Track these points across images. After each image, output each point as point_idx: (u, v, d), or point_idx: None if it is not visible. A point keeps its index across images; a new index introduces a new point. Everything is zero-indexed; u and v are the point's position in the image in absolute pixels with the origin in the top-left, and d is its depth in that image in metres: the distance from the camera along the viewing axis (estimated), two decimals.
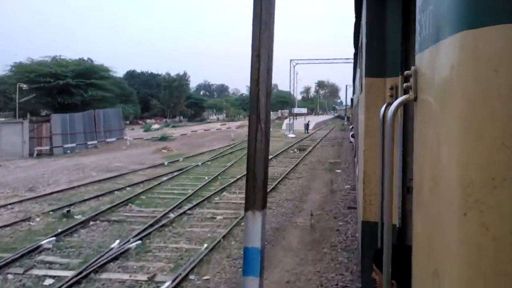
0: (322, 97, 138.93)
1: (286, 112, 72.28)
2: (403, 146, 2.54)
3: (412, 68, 1.30)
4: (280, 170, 18.29)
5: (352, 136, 21.83)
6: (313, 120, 75.78)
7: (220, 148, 29.32)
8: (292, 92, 44.33)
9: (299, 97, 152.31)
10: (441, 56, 1.01)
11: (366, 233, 3.51)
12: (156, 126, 59.91)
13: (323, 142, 35.37)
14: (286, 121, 61.66)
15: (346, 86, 72.39)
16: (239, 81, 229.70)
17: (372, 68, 3.30)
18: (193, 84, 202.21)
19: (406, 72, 1.37)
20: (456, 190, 0.93)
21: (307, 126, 46.98)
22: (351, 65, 18.77)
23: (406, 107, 2.27)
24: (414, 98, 1.32)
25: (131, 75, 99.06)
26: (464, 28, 0.90)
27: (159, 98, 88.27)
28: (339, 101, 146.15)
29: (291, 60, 43.35)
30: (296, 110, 72.03)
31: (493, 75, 0.85)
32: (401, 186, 2.58)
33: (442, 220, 1.01)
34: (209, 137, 39.05)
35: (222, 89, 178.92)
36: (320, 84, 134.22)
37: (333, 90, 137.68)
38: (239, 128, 53.67)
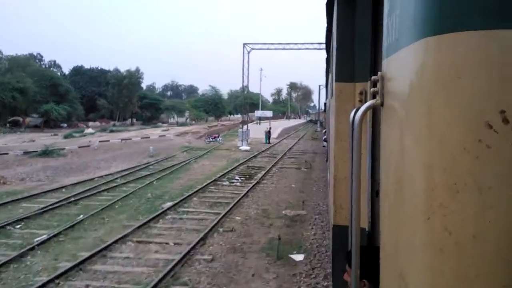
0: (295, 100, 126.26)
1: (267, 113, 59.69)
2: (372, 150, 2.49)
3: (379, 73, 1.34)
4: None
5: (325, 140, 21.78)
6: (283, 125, 69.01)
7: (108, 175, 19.96)
8: (244, 85, 31.61)
9: (269, 99, 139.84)
10: (406, 62, 1.05)
11: (337, 237, 3.46)
12: (90, 130, 52.54)
13: (285, 160, 26.77)
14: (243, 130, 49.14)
15: (319, 86, 60.53)
16: (209, 82, 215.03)
17: (342, 73, 3.29)
18: (159, 84, 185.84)
19: (373, 77, 1.40)
20: (420, 194, 0.96)
21: (268, 134, 39.16)
22: (325, 68, 15.66)
23: (375, 111, 2.28)
24: (381, 103, 1.34)
25: (77, 72, 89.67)
26: (427, 35, 0.93)
27: (108, 97, 79.73)
28: (312, 104, 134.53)
29: (244, 44, 30.27)
30: (259, 113, 59.07)
31: (456, 81, 0.88)
32: (370, 190, 2.56)
33: (407, 224, 1.04)
34: (123, 150, 30.51)
35: (191, 90, 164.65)
36: (292, 86, 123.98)
37: (306, 93, 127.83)
38: (179, 136, 39.31)
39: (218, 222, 10.64)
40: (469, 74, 0.87)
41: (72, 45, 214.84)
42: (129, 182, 16.70)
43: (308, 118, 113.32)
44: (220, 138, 37.28)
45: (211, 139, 37.44)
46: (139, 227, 10.18)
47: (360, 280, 1.66)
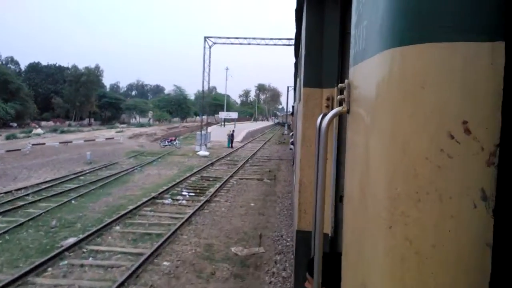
0: (263, 102, 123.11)
1: (232, 115, 55.52)
2: (337, 155, 2.57)
3: (346, 81, 1.36)
4: None
5: (292, 143, 21.79)
6: (249, 127, 65.83)
7: (20, 189, 15.84)
8: (206, 82, 27.65)
9: (238, 100, 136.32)
10: (372, 71, 1.07)
11: (300, 243, 3.44)
12: (38, 131, 47.47)
13: (247, 168, 23.39)
14: (209, 129, 44.69)
15: (288, 88, 57.55)
16: (177, 83, 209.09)
17: (310, 78, 3.31)
18: (123, 83, 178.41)
19: (340, 85, 1.42)
20: (382, 202, 0.96)
21: (231, 137, 36.12)
22: (293, 70, 14.93)
23: (341, 117, 2.28)
24: (347, 110, 1.36)
25: (33, 68, 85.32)
26: (393, 45, 0.95)
27: (65, 96, 75.71)
28: (280, 106, 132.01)
29: (206, 37, 26.44)
30: (223, 115, 55.36)
31: (419, 91, 0.90)
32: (334, 195, 2.60)
33: (369, 231, 1.04)
34: (59, 155, 26.10)
35: (158, 90, 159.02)
36: (261, 88, 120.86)
37: (275, 95, 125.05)
38: (132, 138, 34.85)
39: (133, 272, 6.84)
40: (432, 85, 0.89)
41: (38, 41, 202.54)
42: (40, 200, 12.84)
43: (276, 121, 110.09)
44: (177, 141, 33.27)
45: (166, 143, 33.36)
46: (6, 284, 6.51)
47: None
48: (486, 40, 0.86)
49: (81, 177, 18.02)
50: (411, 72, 0.92)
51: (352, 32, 1.35)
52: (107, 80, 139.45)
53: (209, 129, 49.69)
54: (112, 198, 13.92)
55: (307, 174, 3.34)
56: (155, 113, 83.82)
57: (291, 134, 36.65)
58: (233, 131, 35.71)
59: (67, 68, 77.81)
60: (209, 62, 30.22)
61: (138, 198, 13.60)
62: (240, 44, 30.32)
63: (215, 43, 30.38)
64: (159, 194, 14.24)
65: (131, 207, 12.13)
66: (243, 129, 52.45)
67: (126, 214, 11.47)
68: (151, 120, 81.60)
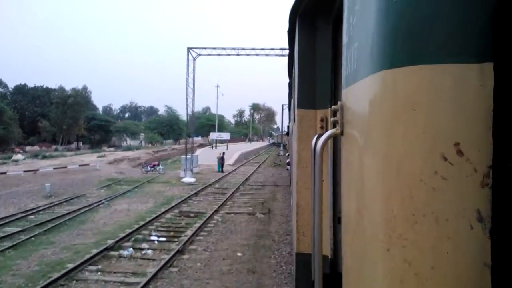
0: (258, 122, 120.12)
1: (223, 136, 51.74)
2: (334, 176, 2.54)
3: (339, 103, 1.37)
4: None
5: (288, 163, 22.20)
6: (243, 148, 63.16)
7: None
8: (189, 97, 24.13)
9: (232, 120, 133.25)
10: (364, 93, 1.07)
11: (300, 265, 3.41)
12: (18, 157, 45.05)
13: (236, 198, 19.84)
14: (197, 152, 41.39)
15: (282, 106, 61.59)
16: (170, 104, 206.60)
17: (304, 99, 3.27)
18: (116, 105, 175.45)
19: (333, 107, 1.44)
20: (379, 224, 0.97)
21: (221, 160, 32.95)
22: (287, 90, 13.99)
23: (335, 137, 2.21)
24: (341, 132, 1.37)
25: (19, 90, 72.98)
26: (384, 68, 0.96)
27: (52, 118, 72.97)
28: (275, 126, 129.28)
29: (189, 48, 23.26)
30: (214, 135, 52.04)
31: (411, 112, 0.91)
32: (332, 217, 2.58)
33: (368, 253, 1.04)
34: (19, 186, 22.37)
35: (151, 112, 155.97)
36: (255, 107, 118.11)
37: (269, 114, 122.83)
38: (111, 164, 31.27)
39: None
40: (423, 107, 0.90)
41: (28, 63, 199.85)
42: None
43: (272, 141, 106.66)
44: (160, 166, 29.62)
45: (149, 168, 29.79)
46: None
47: None
48: (475, 61, 0.87)
49: (31, 216, 14.51)
50: (402, 94, 0.93)
51: (343, 53, 1.37)
52: (100, 102, 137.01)
53: (199, 151, 46.35)
54: (52, 249, 10.37)
55: (304, 196, 3.29)
56: (146, 136, 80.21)
57: (287, 154, 33.16)
58: (224, 153, 32.25)
59: (55, 90, 74.39)
60: (194, 76, 27.02)
61: (87, 249, 10.00)
62: (228, 55, 27.35)
63: (199, 55, 27.27)
64: (118, 241, 10.58)
65: (70, 266, 8.48)
66: (236, 150, 49.16)
67: (57, 279, 7.78)
68: (143, 143, 77.89)
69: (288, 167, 23.16)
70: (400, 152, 0.93)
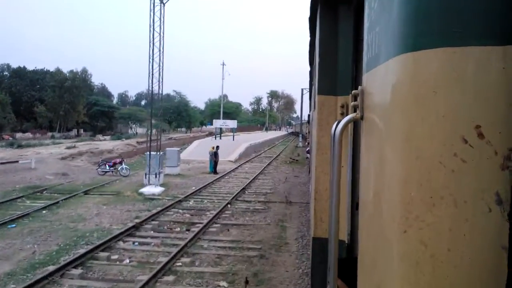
0: (276, 110, 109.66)
1: (229, 124, 40.85)
2: (353, 163, 2.57)
3: (359, 87, 1.39)
4: None
5: (308, 152, 21.08)
6: (257, 138, 52.01)
7: None
8: (156, 62, 13.69)
9: (249, 107, 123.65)
10: (384, 77, 1.09)
11: (316, 250, 3.43)
12: None
13: (210, 240, 10.78)
14: (193, 144, 31.64)
15: (302, 90, 53.19)
16: (187, 91, 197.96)
17: (324, 86, 3.28)
18: (132, 92, 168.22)
19: (354, 92, 1.46)
20: (397, 207, 0.98)
21: (214, 157, 23.76)
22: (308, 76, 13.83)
23: (356, 124, 2.38)
24: (361, 116, 1.38)
25: (17, 73, 73.16)
26: (405, 51, 0.96)
27: (48, 103, 66.56)
28: (295, 115, 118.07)
29: None
30: (218, 123, 42.12)
31: (432, 96, 0.92)
32: (350, 203, 2.61)
33: (384, 236, 1.06)
34: None
35: (168, 100, 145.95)
36: (273, 95, 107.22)
37: (288, 103, 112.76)
38: (66, 159, 20.42)
39: None
40: (444, 90, 0.90)
41: (45, 48, 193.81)
42: None
43: (290, 130, 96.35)
44: (123, 166, 20.04)
45: (107, 168, 20.05)
46: None
47: None
48: (498, 44, 0.87)
49: None
50: (423, 77, 0.93)
51: (364, 38, 1.38)
52: (115, 89, 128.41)
53: (195, 143, 36.70)
54: None
55: (323, 181, 3.27)
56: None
57: (307, 149, 26.94)
58: (217, 147, 22.41)
59: (51, 72, 65.88)
60: (162, 32, 17.19)
61: None
62: None
63: None
64: None
65: None
66: (244, 141, 39.13)
67: None
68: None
69: (308, 155, 21.56)
70: (420, 135, 0.93)
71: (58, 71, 67.62)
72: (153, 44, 17.39)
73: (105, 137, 60.03)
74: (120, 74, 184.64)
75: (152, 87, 18.22)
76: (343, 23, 3.09)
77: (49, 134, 62.75)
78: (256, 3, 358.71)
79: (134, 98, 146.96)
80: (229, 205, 14.54)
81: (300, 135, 54.51)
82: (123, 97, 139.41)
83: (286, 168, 27.34)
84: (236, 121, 49.74)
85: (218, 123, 49.18)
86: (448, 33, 0.89)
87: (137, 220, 11.78)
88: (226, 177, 22.22)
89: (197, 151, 29.78)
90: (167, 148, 23.26)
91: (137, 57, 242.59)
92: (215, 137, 47.54)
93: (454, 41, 0.88)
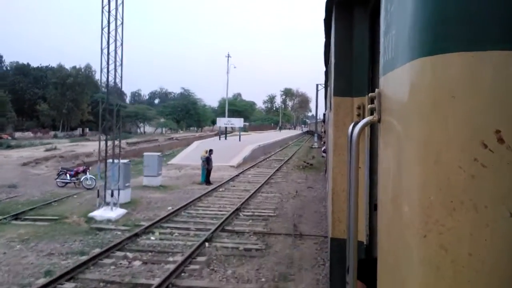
0: (291, 109, 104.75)
1: (235, 122, 35.48)
2: (370, 164, 2.62)
3: (376, 90, 1.39)
4: None
5: (324, 151, 19.99)
6: (268, 138, 46.61)
7: None
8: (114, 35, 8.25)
9: (262, 106, 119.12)
10: (402, 80, 1.08)
11: (335, 250, 3.44)
12: None
13: None
14: (191, 146, 26.47)
15: (317, 85, 45.73)
16: (201, 90, 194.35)
17: (340, 87, 3.31)
18: (145, 91, 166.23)
19: (370, 94, 1.45)
20: (416, 210, 0.98)
21: (206, 163, 18.70)
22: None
23: (373, 126, 2.34)
24: (378, 119, 1.38)
25: (20, 70, 69.93)
26: (422, 55, 0.96)
27: (51, 101, 63.74)
28: (310, 114, 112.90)
29: None
30: (223, 121, 37.37)
31: (450, 100, 0.91)
32: (368, 203, 2.65)
33: (404, 240, 1.05)
34: None
35: (181, 98, 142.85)
36: (287, 93, 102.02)
37: (303, 101, 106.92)
38: (27, 164, 14.66)
39: None
40: (463, 94, 0.90)
41: (51, 47, 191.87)
42: None
43: (305, 129, 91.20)
44: (88, 176, 15.16)
45: (68, 178, 15.21)
46: None
47: None
48: None
49: None
50: (442, 82, 0.93)
51: (381, 40, 1.38)
52: (128, 88, 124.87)
53: (194, 144, 32.03)
54: None
55: (340, 182, 3.27)
56: (157, 122, 67.06)
57: (323, 149, 24.80)
58: (211, 152, 17.49)
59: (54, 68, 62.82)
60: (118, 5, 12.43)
61: None
62: None
63: None
64: None
65: None
66: (252, 142, 34.30)
67: None
68: (163, 130, 64.60)
69: (324, 154, 20.24)
70: (438, 140, 0.93)
71: (60, 67, 65.76)
72: (109, 31, 12.49)
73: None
74: (133, 73, 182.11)
75: (108, 83, 13.30)
76: (358, 25, 3.10)
77: (52, 133, 59.44)
78: (273, 4, 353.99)
79: (147, 97, 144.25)
80: (207, 244, 9.48)
81: (316, 134, 49.28)
82: (136, 96, 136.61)
83: (298, 175, 22.49)
84: (242, 119, 44.60)
85: (222, 121, 43.57)
86: (466, 38, 0.89)
87: (43, 280, 7.04)
88: (221, 189, 17.35)
89: (193, 154, 25.04)
90: (145, 154, 18.95)
91: (151, 55, 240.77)
92: (219, 137, 42.95)
93: (472, 45, 0.88)
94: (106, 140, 12.95)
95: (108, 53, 12.38)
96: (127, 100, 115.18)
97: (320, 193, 17.08)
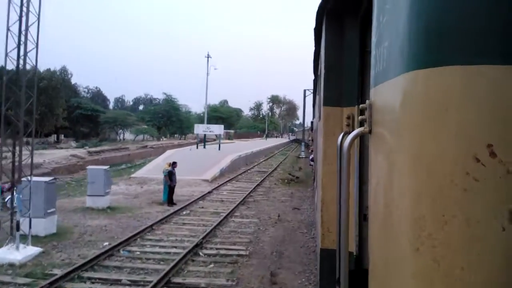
0: (278, 116, 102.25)
1: (214, 129, 31.48)
2: (360, 174, 2.62)
3: (367, 101, 1.39)
4: None
5: (312, 160, 19.14)
6: (254, 146, 43.77)
7: None
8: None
9: (249, 113, 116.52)
10: (394, 92, 1.08)
11: (324, 261, 3.42)
12: None
13: None
14: (162, 156, 23.20)
15: (305, 91, 43.72)
16: (192, 97, 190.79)
17: (330, 97, 3.32)
18: (129, 97, 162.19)
19: (361, 106, 1.47)
20: (408, 224, 0.98)
21: (169, 179, 14.73)
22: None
23: (362, 135, 2.14)
24: (369, 130, 1.39)
25: None
26: (416, 67, 0.96)
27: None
28: (298, 122, 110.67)
29: None
30: (201, 128, 33.73)
31: (443, 113, 0.92)
32: (358, 214, 2.63)
33: (396, 252, 1.05)
34: None
35: (164, 104, 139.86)
36: (274, 100, 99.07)
37: (291, 109, 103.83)
38: None
39: None
40: (456, 107, 0.90)
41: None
42: None
43: (292, 137, 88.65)
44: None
45: None
46: None
47: None
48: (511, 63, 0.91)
49: None
50: (435, 94, 0.92)
51: (372, 52, 1.37)
52: (112, 94, 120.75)
53: (166, 153, 28.51)
54: None
55: (330, 192, 3.23)
56: (135, 129, 63.29)
57: (311, 157, 22.96)
58: (174, 164, 13.99)
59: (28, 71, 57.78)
60: None
61: None
62: None
63: None
64: None
65: None
66: (234, 151, 30.84)
67: None
68: (144, 137, 60.78)
69: (312, 163, 19.11)
70: (431, 153, 0.93)
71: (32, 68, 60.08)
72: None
73: (73, 143, 52.37)
74: (117, 79, 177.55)
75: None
76: (349, 34, 3.10)
77: (23, 140, 55.12)
78: (264, 13, 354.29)
79: (131, 102, 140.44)
80: None
81: (303, 143, 46.34)
82: (119, 102, 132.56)
83: (283, 191, 19.87)
84: (222, 126, 40.88)
85: (200, 128, 38.72)
86: (460, 52, 0.89)
87: None
88: (184, 212, 14.06)
89: (162, 166, 21.37)
90: (89, 167, 15.50)
91: (136, 60, 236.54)
92: (197, 146, 39.43)
93: (465, 59, 0.88)
94: (13, 151, 9.53)
95: (20, 32, 9.16)
96: (110, 105, 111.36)
97: (308, 216, 14.14)
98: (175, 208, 14.29)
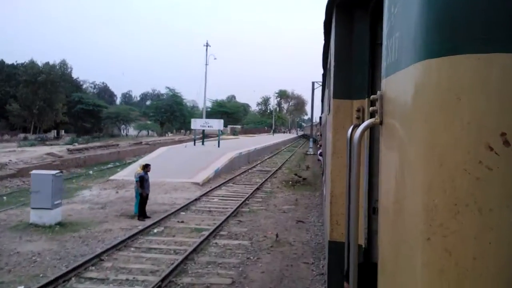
0: (286, 112, 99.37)
1: (213, 124, 27.85)
2: (369, 167, 2.57)
3: (378, 92, 1.38)
4: None
5: (321, 154, 19.11)
6: (260, 142, 40.44)
7: None
8: None
9: (255, 108, 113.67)
10: (406, 82, 1.07)
11: (333, 253, 3.47)
12: None
13: None
14: (153, 154, 19.77)
15: (313, 83, 40.48)
16: (195, 91, 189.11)
17: (340, 90, 3.33)
18: (136, 92, 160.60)
19: (372, 96, 1.44)
20: (420, 214, 0.97)
21: (140, 186, 11.37)
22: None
23: (372, 128, 2.32)
24: (380, 121, 1.37)
25: None
26: (428, 57, 0.96)
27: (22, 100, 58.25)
28: (307, 117, 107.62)
29: None
30: (199, 123, 30.18)
31: (456, 102, 0.91)
32: (367, 207, 2.66)
33: (406, 242, 1.05)
34: None
35: (168, 99, 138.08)
36: (282, 95, 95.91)
37: (299, 104, 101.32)
38: None
39: None
40: (468, 96, 0.89)
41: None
42: None
43: (300, 133, 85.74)
44: None
45: None
46: None
47: None
48: None
49: None
50: (447, 84, 0.91)
51: (383, 43, 1.36)
52: (119, 89, 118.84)
53: (158, 151, 25.66)
54: None
55: (339, 185, 3.25)
56: (137, 124, 61.04)
57: (319, 152, 21.07)
58: (147, 167, 10.75)
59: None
60: None
61: None
62: None
63: None
64: None
65: None
66: (236, 148, 28.01)
67: None
68: (149, 132, 58.48)
69: (320, 157, 19.10)
70: (443, 142, 0.91)
71: (32, 63, 60.83)
72: None
73: (67, 139, 50.23)
74: (124, 74, 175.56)
75: None
76: (359, 27, 3.13)
77: (21, 135, 53.11)
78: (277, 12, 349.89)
79: (138, 98, 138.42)
80: None
81: (311, 138, 43.13)
82: (126, 97, 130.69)
83: (286, 196, 16.86)
84: (222, 120, 36.54)
85: (198, 123, 34.29)
86: (473, 40, 0.88)
87: None
88: (156, 230, 10.79)
89: (157, 166, 17.97)
90: (33, 172, 11.31)
91: (145, 54, 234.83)
92: (194, 142, 35.42)
93: (478, 47, 0.87)
94: None
95: None
96: (118, 101, 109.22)
97: (315, 235, 10.68)
98: (147, 223, 11.14)
